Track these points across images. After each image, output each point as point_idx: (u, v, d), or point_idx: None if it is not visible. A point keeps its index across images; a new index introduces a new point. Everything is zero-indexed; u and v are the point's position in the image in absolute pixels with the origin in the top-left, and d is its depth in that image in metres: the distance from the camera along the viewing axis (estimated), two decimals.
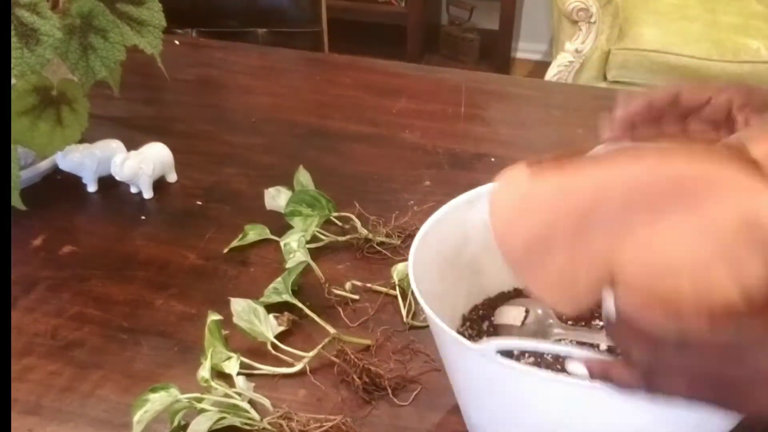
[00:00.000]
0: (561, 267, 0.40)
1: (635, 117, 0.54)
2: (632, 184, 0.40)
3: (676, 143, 0.45)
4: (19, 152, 0.87)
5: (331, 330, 0.78)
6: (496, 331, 0.70)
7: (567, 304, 0.42)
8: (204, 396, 0.70)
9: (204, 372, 0.72)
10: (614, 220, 0.39)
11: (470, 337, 0.73)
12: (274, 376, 0.76)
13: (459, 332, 0.73)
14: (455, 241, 0.71)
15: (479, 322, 0.74)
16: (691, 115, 0.54)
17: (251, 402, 0.71)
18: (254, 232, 0.92)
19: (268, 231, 0.92)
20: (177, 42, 1.35)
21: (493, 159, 1.07)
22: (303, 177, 0.95)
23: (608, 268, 0.39)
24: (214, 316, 0.76)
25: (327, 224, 0.92)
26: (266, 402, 0.71)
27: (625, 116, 0.54)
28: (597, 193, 0.40)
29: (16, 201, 0.85)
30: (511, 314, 0.68)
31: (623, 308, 0.39)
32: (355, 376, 0.74)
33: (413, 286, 0.62)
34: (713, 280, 0.37)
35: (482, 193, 0.72)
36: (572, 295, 0.41)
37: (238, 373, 0.74)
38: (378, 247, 0.91)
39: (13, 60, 0.80)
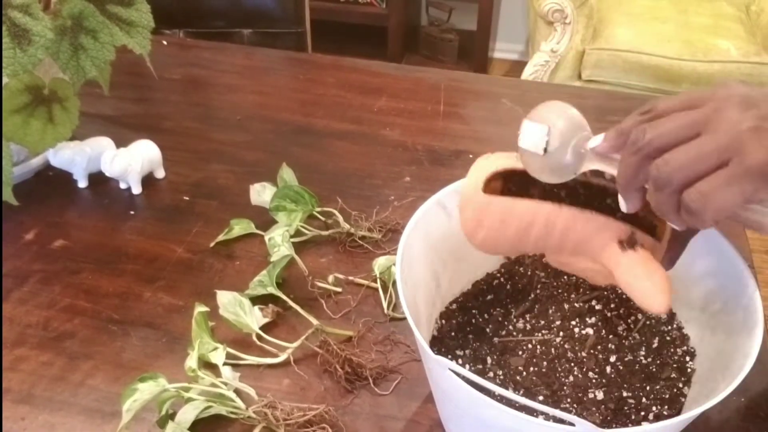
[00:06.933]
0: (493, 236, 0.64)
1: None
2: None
3: None
4: (11, 149, 0.88)
5: (314, 321, 0.79)
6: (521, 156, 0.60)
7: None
8: (191, 385, 0.71)
9: (191, 362, 0.73)
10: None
11: (450, 323, 0.75)
12: (259, 366, 0.77)
13: (439, 321, 0.76)
14: (441, 232, 0.72)
15: (464, 307, 0.76)
16: None
17: (237, 391, 0.72)
18: (240, 227, 0.93)
19: (253, 225, 0.93)
20: (165, 42, 1.35)
21: (471, 156, 1.08)
22: (286, 174, 0.96)
23: None
24: (200, 308, 0.77)
25: (310, 219, 0.94)
26: (251, 391, 0.72)
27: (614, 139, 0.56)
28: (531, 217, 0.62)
29: (8, 196, 0.86)
30: (533, 137, 0.57)
31: None
32: (337, 366, 0.75)
33: (399, 286, 0.64)
34: None
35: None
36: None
37: (224, 364, 0.75)
38: (360, 241, 0.93)
39: (5, 59, 0.81)
